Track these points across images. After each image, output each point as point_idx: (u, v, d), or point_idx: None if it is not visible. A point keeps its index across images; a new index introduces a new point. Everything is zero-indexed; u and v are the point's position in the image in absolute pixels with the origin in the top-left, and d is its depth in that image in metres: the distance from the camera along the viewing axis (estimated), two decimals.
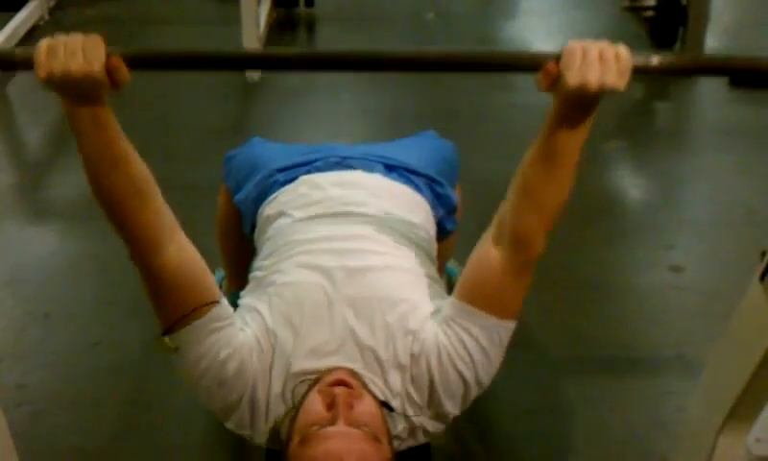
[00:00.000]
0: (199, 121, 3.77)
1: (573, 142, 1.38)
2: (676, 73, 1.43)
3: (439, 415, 1.54)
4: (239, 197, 2.02)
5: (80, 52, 1.25)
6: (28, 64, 1.28)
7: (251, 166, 2.03)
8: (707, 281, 2.71)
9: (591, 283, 2.69)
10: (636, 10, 4.80)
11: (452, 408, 1.54)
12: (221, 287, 2.53)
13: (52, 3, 4.91)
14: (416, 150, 2.07)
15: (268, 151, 2.10)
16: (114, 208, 1.41)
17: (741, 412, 1.56)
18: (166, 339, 1.48)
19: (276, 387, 1.50)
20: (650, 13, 4.54)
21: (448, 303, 1.53)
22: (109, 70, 1.28)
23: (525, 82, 4.04)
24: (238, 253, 2.28)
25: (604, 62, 1.28)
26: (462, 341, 1.49)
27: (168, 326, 1.47)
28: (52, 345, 2.43)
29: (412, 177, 1.94)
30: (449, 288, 2.15)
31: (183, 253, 1.48)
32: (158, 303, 1.48)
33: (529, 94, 3.97)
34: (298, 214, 1.78)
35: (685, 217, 3.10)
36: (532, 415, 2.20)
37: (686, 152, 3.59)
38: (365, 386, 1.46)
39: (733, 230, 2.97)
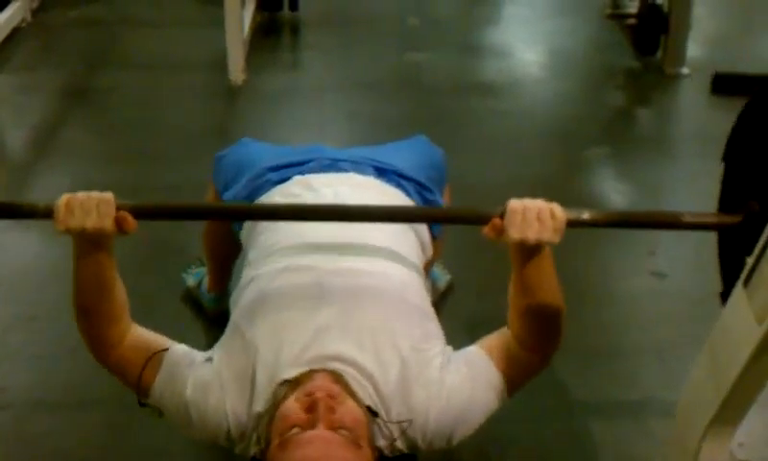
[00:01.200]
0: (183, 123, 3.75)
1: (539, 278, 1.55)
2: (602, 226, 1.67)
3: (413, 444, 1.54)
4: (227, 195, 2.02)
5: (94, 211, 1.47)
6: (48, 215, 1.50)
7: (240, 165, 2.04)
8: (689, 287, 2.72)
9: (574, 290, 2.67)
10: (618, 17, 4.83)
11: (423, 444, 1.54)
12: (200, 284, 2.52)
13: (35, 4, 4.88)
14: (406, 154, 2.07)
15: (258, 151, 2.11)
16: (91, 323, 1.60)
17: (725, 417, 1.57)
18: (148, 409, 1.59)
19: (260, 399, 1.49)
20: (632, 21, 4.56)
21: (473, 349, 1.62)
22: (119, 224, 1.50)
23: (509, 88, 4.09)
24: (223, 252, 2.28)
25: (541, 221, 1.47)
26: (472, 390, 1.55)
27: (138, 391, 1.58)
28: (36, 347, 2.42)
29: (402, 181, 1.95)
30: (433, 292, 2.18)
31: (133, 338, 1.62)
32: (123, 379, 1.62)
33: (509, 100, 4.02)
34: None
35: None
36: (515, 421, 2.19)
37: (668, 158, 3.61)
38: (348, 389, 1.45)
39: (714, 235, 2.98)
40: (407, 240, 1.81)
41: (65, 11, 4.98)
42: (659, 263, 2.83)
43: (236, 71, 4.08)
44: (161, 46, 4.61)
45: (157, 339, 1.63)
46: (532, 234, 1.47)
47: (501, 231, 1.49)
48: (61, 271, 2.70)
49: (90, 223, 1.46)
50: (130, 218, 1.50)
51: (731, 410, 1.56)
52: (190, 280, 2.57)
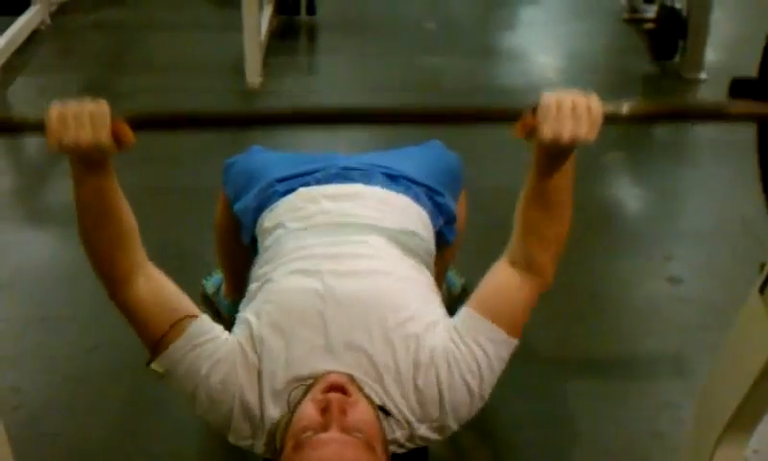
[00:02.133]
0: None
1: (559, 182, 1.47)
2: (644, 121, 1.59)
3: (440, 427, 1.53)
4: (238, 207, 2.02)
5: (87, 122, 1.35)
6: (39, 129, 1.37)
7: (249, 175, 2.03)
8: (705, 293, 2.71)
9: (589, 294, 2.69)
10: (636, 22, 4.81)
11: (454, 422, 1.53)
12: (219, 291, 2.53)
13: (53, 8, 4.92)
14: (417, 159, 2.07)
15: (267, 160, 2.10)
16: (98, 254, 1.51)
17: (739, 424, 1.56)
18: (153, 365, 1.53)
19: (269, 393, 1.49)
20: (650, 26, 4.54)
21: (462, 313, 1.56)
22: (115, 135, 1.38)
23: (524, 91, 4.08)
24: (236, 259, 2.28)
25: (576, 115, 1.37)
26: (472, 352, 1.51)
27: (152, 349, 1.52)
28: (50, 348, 2.43)
29: (412, 186, 1.94)
30: (449, 297, 2.17)
31: (153, 280, 1.55)
32: (141, 330, 1.54)
33: (527, 103, 3.98)
34: (293, 226, 1.79)
35: (684, 228, 3.10)
36: (530, 425, 2.20)
37: (685, 164, 3.60)
38: (361, 390, 1.45)
39: (731, 241, 2.97)
40: (415, 238, 1.81)
41: (84, 14, 5.02)
42: (675, 268, 2.81)
43: (253, 74, 4.09)
44: (179, 49, 4.63)
45: (182, 300, 1.56)
46: (566, 132, 1.37)
47: (532, 129, 1.40)
48: (75, 272, 2.73)
49: (85, 136, 1.34)
50: (127, 129, 1.40)
51: (745, 417, 1.55)
52: (209, 287, 2.59)
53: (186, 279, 2.60)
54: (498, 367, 1.54)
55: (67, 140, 1.34)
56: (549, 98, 1.38)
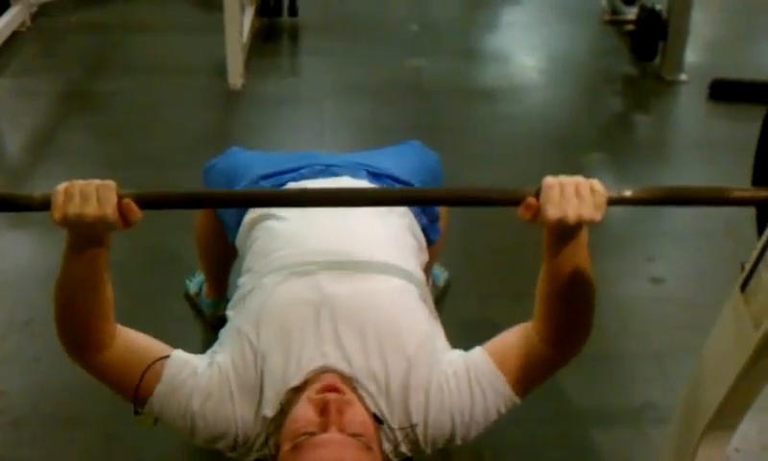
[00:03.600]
0: (181, 128, 3.76)
1: (577, 259, 1.44)
2: (647, 204, 1.55)
3: (415, 450, 1.53)
4: (221, 207, 2.01)
5: (93, 197, 1.35)
6: (45, 206, 1.39)
7: (231, 175, 2.02)
8: (687, 292, 2.73)
9: None
10: (617, 23, 4.84)
11: (429, 448, 1.53)
12: (201, 291, 2.53)
13: (34, 9, 4.88)
14: (399, 158, 2.08)
15: (249, 159, 2.10)
16: (74, 321, 1.50)
17: (721, 423, 1.57)
18: (142, 416, 1.52)
19: (268, 407, 1.48)
20: (630, 27, 4.57)
21: (475, 352, 1.55)
22: (122, 213, 1.39)
23: (509, 93, 4.09)
24: (218, 260, 2.28)
25: (581, 197, 1.37)
26: (472, 392, 1.50)
27: (135, 400, 1.51)
28: (33, 352, 2.41)
29: (395, 185, 1.95)
30: (433, 290, 2.17)
31: (123, 343, 1.53)
32: (117, 386, 1.54)
33: (508, 106, 4.03)
34: (282, 224, 1.77)
35: (666, 229, 3.12)
36: (511, 425, 2.19)
37: (666, 164, 3.62)
38: (355, 391, 1.46)
39: (713, 241, 2.99)
40: (406, 243, 1.81)
41: (65, 15, 4.99)
42: (657, 269, 2.83)
43: (235, 76, 4.09)
44: (161, 51, 4.61)
45: (152, 345, 1.55)
46: (572, 211, 1.36)
47: (537, 211, 1.38)
48: (57, 275, 2.72)
49: (90, 210, 1.35)
50: (134, 206, 1.39)
51: (727, 415, 1.56)
52: (192, 287, 2.58)
53: (170, 280, 2.63)
54: (491, 418, 1.53)
55: (72, 212, 1.35)
56: (551, 181, 1.38)
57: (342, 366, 1.48)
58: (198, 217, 2.24)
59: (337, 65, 4.49)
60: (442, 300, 2.55)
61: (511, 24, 5.23)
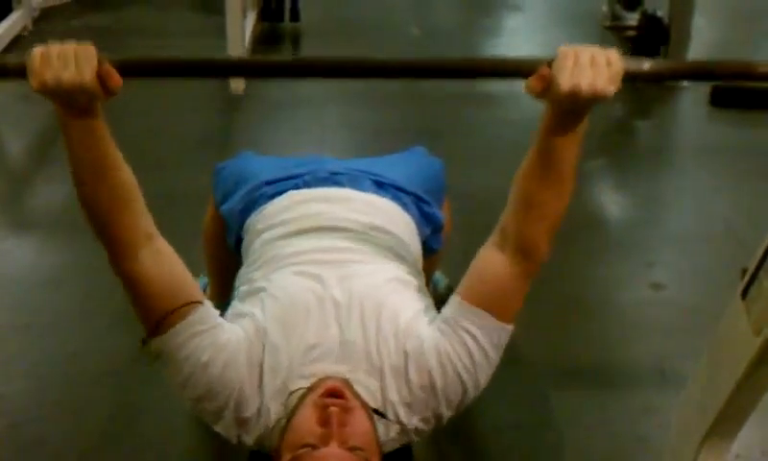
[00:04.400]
0: (183, 132, 3.76)
1: (568, 149, 1.40)
2: (667, 78, 1.44)
3: (433, 416, 1.54)
4: (225, 208, 2.02)
5: (72, 61, 1.27)
6: (21, 72, 1.29)
7: (238, 178, 2.04)
8: (687, 298, 2.72)
9: (573, 300, 2.71)
10: (617, 29, 4.84)
11: (447, 410, 1.54)
12: (204, 293, 2.53)
13: (36, 13, 4.90)
14: (404, 167, 2.08)
15: (256, 164, 2.11)
16: (98, 215, 1.44)
17: (722, 428, 1.57)
18: (149, 344, 1.48)
19: (269, 389, 1.48)
20: (632, 33, 4.57)
21: (451, 303, 1.54)
22: (101, 78, 1.30)
23: (509, 97, 4.10)
24: (223, 263, 2.28)
25: (596, 67, 1.29)
26: (464, 343, 1.50)
27: (151, 329, 1.46)
28: (32, 355, 2.41)
29: (400, 194, 1.95)
30: (434, 296, 2.19)
31: (161, 255, 1.49)
32: (140, 307, 1.48)
33: (513, 110, 4.02)
34: (283, 229, 1.79)
35: (666, 234, 3.12)
36: (513, 429, 2.20)
37: (667, 170, 3.62)
38: (357, 396, 1.45)
39: (713, 247, 2.99)
40: (403, 244, 1.82)
41: (67, 19, 5.01)
42: (658, 274, 2.83)
43: (237, 80, 4.09)
44: (163, 54, 4.60)
45: (188, 282, 1.51)
46: (585, 82, 1.28)
47: (548, 82, 1.31)
48: (57, 278, 2.73)
49: (68, 75, 1.26)
50: (113, 72, 1.31)
51: (727, 422, 1.56)
52: None
53: None
54: (494, 353, 1.51)
55: (50, 79, 1.27)
56: (566, 49, 1.30)
57: (344, 364, 1.49)
58: (206, 220, 2.24)
59: None
60: (442, 305, 2.55)
61: (511, 29, 5.24)
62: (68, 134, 1.38)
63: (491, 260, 1.51)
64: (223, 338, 1.49)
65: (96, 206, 1.43)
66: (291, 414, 1.43)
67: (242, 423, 1.50)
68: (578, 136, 1.39)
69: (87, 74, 1.28)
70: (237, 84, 4.08)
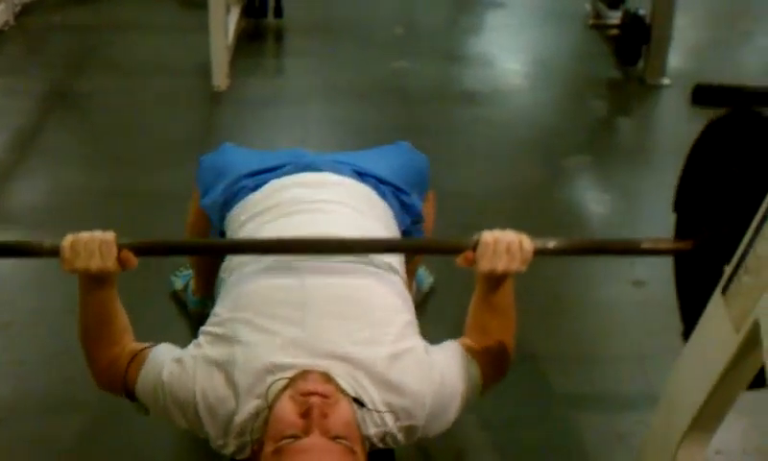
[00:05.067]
0: (165, 129, 3.75)
1: (501, 298, 1.68)
2: (569, 254, 1.93)
3: (409, 427, 1.55)
4: (205, 201, 2.03)
5: (97, 253, 1.57)
6: (54, 254, 1.60)
7: (218, 171, 2.04)
8: (668, 295, 2.71)
9: (553, 296, 2.72)
10: (600, 28, 4.85)
11: (422, 421, 1.56)
12: (187, 287, 2.52)
13: (17, 8, 4.86)
14: (384, 159, 2.09)
15: (237, 156, 2.11)
16: (94, 349, 1.68)
17: (701, 425, 1.58)
18: (137, 405, 1.65)
19: (243, 389, 1.49)
20: (614, 32, 4.59)
21: (456, 343, 1.68)
22: (121, 262, 1.60)
23: (490, 97, 4.10)
24: (206, 259, 2.28)
25: (510, 253, 1.59)
26: (446, 357, 1.62)
27: (126, 392, 1.64)
28: (14, 355, 2.40)
29: (379, 185, 1.96)
30: (417, 294, 2.21)
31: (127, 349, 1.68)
32: (114, 387, 1.68)
33: (491, 109, 4.03)
34: (265, 217, 1.80)
35: (648, 232, 3.08)
36: (493, 427, 2.21)
37: (649, 167, 3.63)
38: (338, 388, 1.46)
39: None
40: (383, 231, 1.86)
41: (49, 14, 4.97)
42: (638, 272, 2.84)
43: (220, 77, 4.08)
44: (145, 51, 4.60)
45: (146, 344, 1.67)
46: (501, 265, 1.59)
47: (472, 262, 1.62)
48: (41, 277, 2.71)
49: (95, 264, 1.56)
50: (132, 257, 1.61)
51: (708, 418, 1.57)
52: (178, 283, 2.58)
53: (154, 277, 2.62)
54: (459, 389, 1.61)
55: (79, 266, 1.57)
56: (487, 237, 1.59)
57: (324, 364, 1.49)
58: (190, 213, 2.24)
59: (321, 67, 4.49)
60: (426, 303, 2.56)
61: (495, 27, 5.24)
62: (85, 299, 1.64)
63: (457, 349, 1.67)
64: (178, 355, 1.60)
65: (93, 344, 1.68)
66: (272, 404, 1.43)
67: (220, 428, 1.52)
68: (506, 289, 1.68)
69: (110, 262, 1.58)
70: (220, 81, 4.07)
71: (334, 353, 1.51)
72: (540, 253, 1.64)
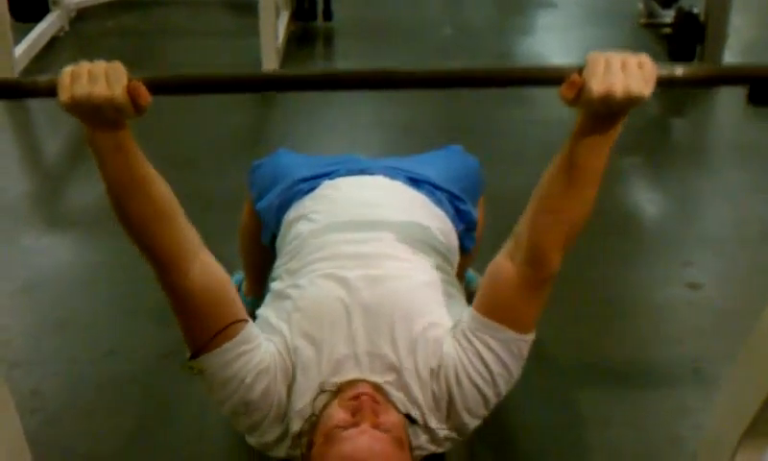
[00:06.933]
0: (215, 132, 3.79)
1: (597, 157, 1.38)
2: (699, 84, 1.48)
3: (458, 426, 1.55)
4: (261, 205, 2.05)
5: (102, 77, 1.28)
6: (51, 91, 1.31)
7: (274, 176, 2.06)
8: (724, 298, 2.69)
9: (608, 299, 2.68)
10: (653, 26, 4.79)
11: (470, 420, 1.55)
12: (239, 289, 2.55)
13: (72, 14, 4.95)
14: (439, 165, 2.08)
15: (292, 161, 2.13)
16: (138, 232, 1.43)
17: (758, 429, 1.56)
18: (193, 362, 1.49)
19: (298, 403, 1.50)
20: (667, 30, 4.53)
21: (467, 315, 1.54)
22: (131, 94, 1.30)
23: (542, 97, 4.09)
24: (258, 261, 2.30)
25: (627, 70, 1.27)
26: (480, 355, 1.50)
27: (196, 349, 1.48)
28: (68, 352, 2.44)
29: (434, 191, 1.95)
30: (468, 295, 2.18)
31: (208, 274, 1.49)
32: (187, 323, 1.49)
33: (546, 109, 3.99)
34: (317, 219, 1.80)
35: (703, 234, 3.08)
36: (545, 431, 2.19)
37: (703, 168, 3.58)
38: (387, 399, 1.47)
39: (750, 247, 2.96)
40: (437, 238, 1.82)
41: (103, 20, 5.06)
42: (694, 274, 2.80)
43: None
44: (196, 55, 4.65)
45: (235, 300, 1.51)
46: (619, 85, 1.26)
47: (580, 89, 1.29)
48: (93, 276, 2.76)
49: (99, 90, 1.27)
50: (143, 89, 1.31)
51: (764, 422, 1.54)
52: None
53: None
54: (513, 363, 1.51)
55: (80, 93, 1.28)
56: (596, 55, 1.28)
57: (374, 378, 1.50)
58: (243, 217, 2.26)
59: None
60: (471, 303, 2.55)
61: (546, 27, 5.21)
62: (98, 152, 1.37)
63: (501, 270, 1.50)
64: (266, 360, 1.51)
65: (135, 224, 1.43)
66: (321, 411, 1.45)
67: (277, 434, 1.53)
68: (608, 144, 1.37)
69: (117, 89, 1.28)
70: None
71: (384, 368, 1.51)
72: (665, 81, 1.34)
